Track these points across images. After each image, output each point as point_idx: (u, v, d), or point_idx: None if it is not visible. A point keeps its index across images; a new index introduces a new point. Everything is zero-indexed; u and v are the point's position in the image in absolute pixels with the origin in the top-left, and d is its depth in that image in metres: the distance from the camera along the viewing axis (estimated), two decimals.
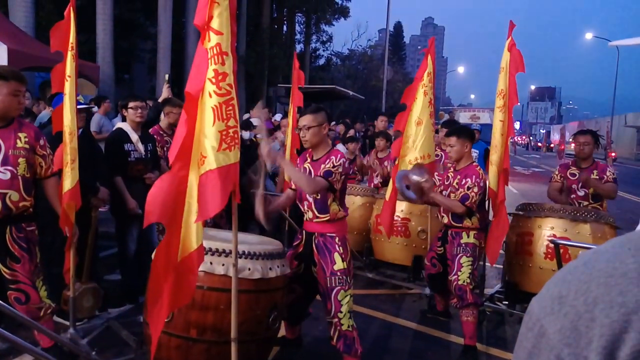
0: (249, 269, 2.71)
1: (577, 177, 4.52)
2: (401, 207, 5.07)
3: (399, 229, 5.13)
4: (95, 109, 7.28)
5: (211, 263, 2.67)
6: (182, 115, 2.31)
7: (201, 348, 2.69)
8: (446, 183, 4.01)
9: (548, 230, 4.25)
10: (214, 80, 2.24)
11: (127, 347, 3.38)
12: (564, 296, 0.51)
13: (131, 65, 19.81)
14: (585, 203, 4.45)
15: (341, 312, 3.05)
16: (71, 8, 3.16)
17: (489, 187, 4.23)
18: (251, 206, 3.05)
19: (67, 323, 3.44)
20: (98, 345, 3.37)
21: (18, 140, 2.91)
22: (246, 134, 6.75)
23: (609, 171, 4.45)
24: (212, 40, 2.25)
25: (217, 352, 2.67)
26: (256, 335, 2.81)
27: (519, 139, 63.83)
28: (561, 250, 3.75)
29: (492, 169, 4.14)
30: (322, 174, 3.04)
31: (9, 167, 2.85)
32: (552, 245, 3.87)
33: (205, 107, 2.26)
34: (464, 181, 3.82)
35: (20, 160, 2.90)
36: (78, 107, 3.85)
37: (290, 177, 3.22)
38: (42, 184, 3.13)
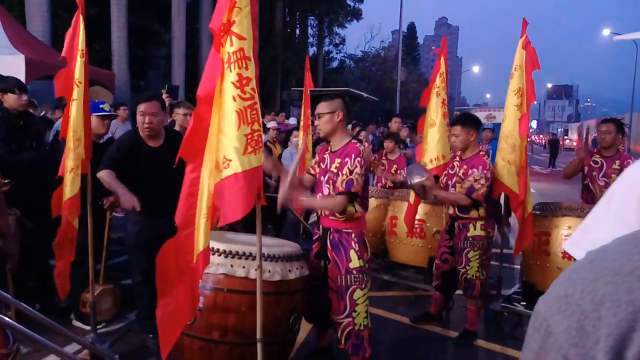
0: (270, 271, 2.72)
1: (599, 164, 4.47)
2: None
3: (415, 230, 5.10)
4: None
5: (232, 266, 2.69)
6: (192, 118, 2.30)
7: (224, 350, 2.70)
8: (451, 172, 3.97)
9: (565, 229, 4.18)
10: (237, 84, 2.22)
11: (147, 350, 3.42)
12: (570, 295, 0.49)
13: (146, 71, 20.06)
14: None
15: (355, 311, 2.93)
16: (80, 15, 3.20)
17: (498, 182, 4.14)
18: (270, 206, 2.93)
19: (88, 327, 3.49)
20: (118, 349, 3.42)
21: None
22: (264, 137, 6.75)
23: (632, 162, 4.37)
24: (235, 44, 2.23)
25: (240, 354, 2.69)
26: (277, 337, 2.81)
27: (536, 137, 63.12)
28: None
29: (510, 169, 4.07)
30: (343, 187, 2.90)
31: None
32: None
33: (226, 111, 2.24)
34: (470, 171, 3.75)
35: None
36: (103, 114, 3.94)
37: (318, 206, 3.14)
38: None
